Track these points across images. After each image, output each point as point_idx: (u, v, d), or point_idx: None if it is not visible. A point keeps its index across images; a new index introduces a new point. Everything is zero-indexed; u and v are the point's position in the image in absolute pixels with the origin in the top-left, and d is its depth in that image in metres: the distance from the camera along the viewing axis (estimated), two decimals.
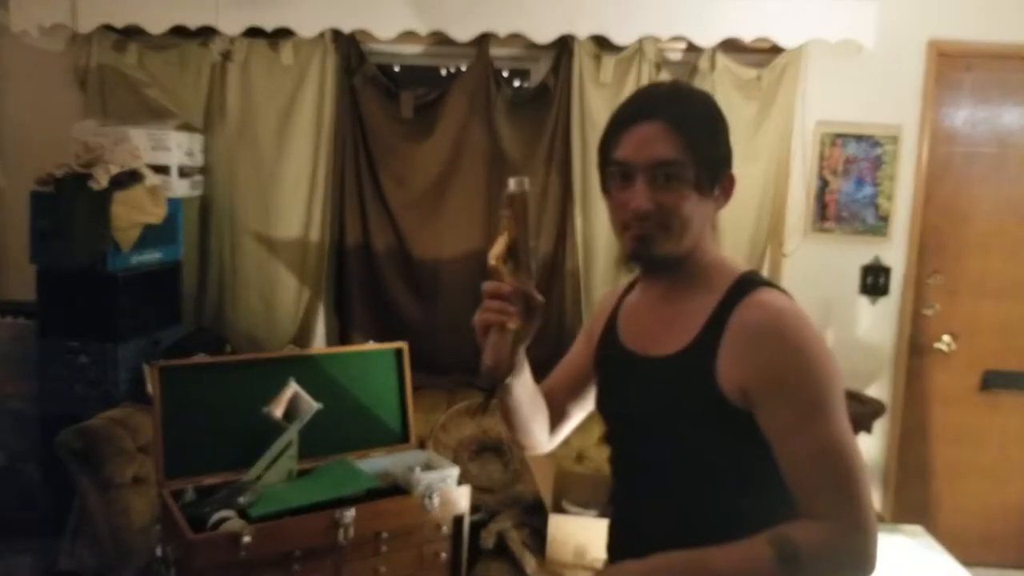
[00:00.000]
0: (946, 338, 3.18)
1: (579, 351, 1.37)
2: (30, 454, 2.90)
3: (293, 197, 3.07)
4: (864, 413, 2.98)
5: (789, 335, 1.04)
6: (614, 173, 1.12)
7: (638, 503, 1.09)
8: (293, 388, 2.24)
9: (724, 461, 1.10)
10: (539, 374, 1.26)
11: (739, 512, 1.08)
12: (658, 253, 1.11)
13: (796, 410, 1.02)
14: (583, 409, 1.37)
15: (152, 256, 2.89)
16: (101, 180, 2.61)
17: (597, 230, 3.01)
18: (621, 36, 2.90)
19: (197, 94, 3.05)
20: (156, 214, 2.77)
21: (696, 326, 1.12)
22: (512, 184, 1.05)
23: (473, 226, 3.08)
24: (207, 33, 2.99)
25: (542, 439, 1.32)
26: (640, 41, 2.93)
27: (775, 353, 1.03)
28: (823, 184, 3.11)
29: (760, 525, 1.02)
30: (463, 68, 3.08)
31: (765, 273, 3.11)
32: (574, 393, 1.35)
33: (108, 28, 3.01)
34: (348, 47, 3.03)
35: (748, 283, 1.13)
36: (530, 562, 2.40)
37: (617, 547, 1.26)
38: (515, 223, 1.04)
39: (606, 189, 1.16)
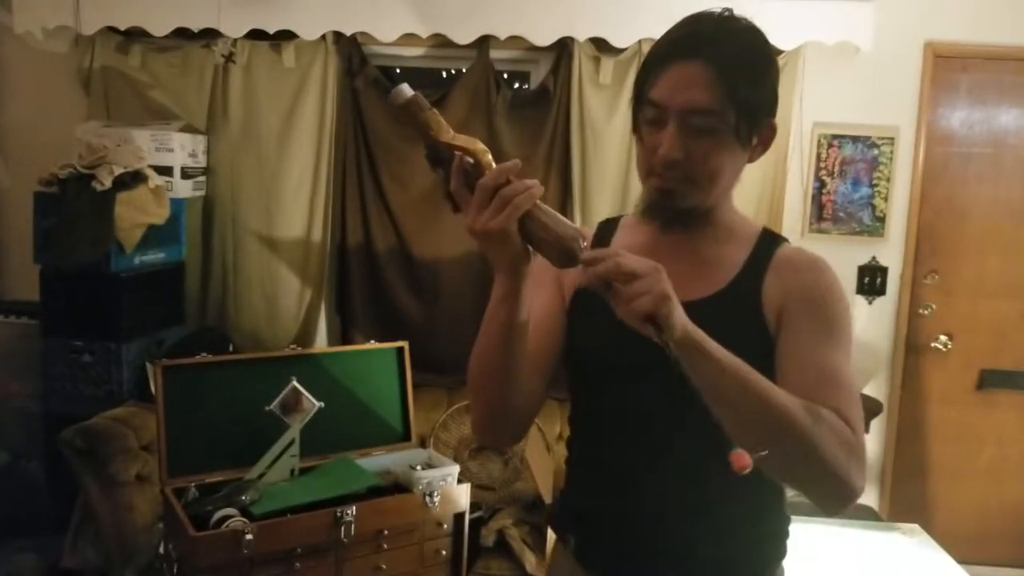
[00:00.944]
0: (942, 337, 3.20)
1: (550, 300, 1.17)
2: (34, 452, 2.92)
3: (295, 198, 3.10)
4: None
5: (830, 275, 1.08)
6: (647, 113, 1.04)
7: (642, 455, 1.02)
8: (295, 387, 2.27)
9: None
10: None
11: None
12: (682, 206, 1.05)
13: (827, 331, 1.03)
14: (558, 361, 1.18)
15: (155, 256, 2.91)
16: (105, 181, 2.63)
17: None
18: (620, 38, 2.92)
19: (200, 96, 3.07)
20: (159, 215, 2.79)
21: (733, 268, 1.10)
22: (395, 98, 0.91)
23: None
24: (210, 35, 3.02)
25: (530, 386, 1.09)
26: (639, 43, 2.94)
27: (818, 282, 1.06)
28: (820, 185, 3.14)
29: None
30: (464, 70, 3.10)
31: None
32: (556, 340, 1.16)
33: (111, 30, 3.04)
34: (350, 49, 3.05)
35: (777, 235, 1.15)
36: (530, 559, 2.42)
37: (606, 511, 1.15)
38: (422, 130, 0.92)
39: (637, 128, 1.07)
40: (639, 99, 1.06)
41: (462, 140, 0.92)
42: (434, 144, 0.93)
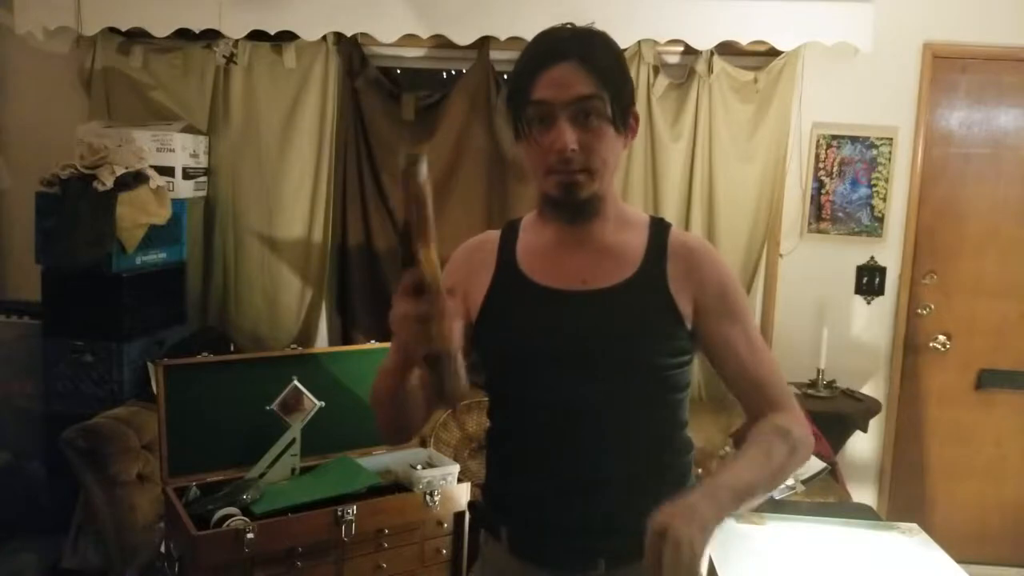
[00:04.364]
0: (941, 337, 3.20)
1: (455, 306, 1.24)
2: (35, 452, 2.92)
3: (296, 198, 3.10)
4: (860, 412, 3.00)
5: (721, 260, 1.22)
6: (532, 117, 1.12)
7: (571, 438, 1.09)
8: (296, 386, 2.27)
9: (675, 375, 1.17)
10: None
11: (680, 427, 1.21)
12: (584, 196, 1.14)
13: (739, 319, 1.18)
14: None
15: (157, 256, 2.91)
16: (106, 181, 2.63)
17: None
18: (619, 39, 2.85)
19: (201, 96, 3.08)
20: (161, 215, 2.80)
21: (636, 254, 1.19)
22: (402, 161, 0.91)
23: (473, 227, 3.09)
24: (211, 36, 3.02)
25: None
26: (638, 44, 2.96)
27: (716, 271, 1.19)
28: (819, 185, 3.14)
29: (681, 438, 1.21)
30: (464, 71, 3.10)
31: (762, 274, 3.15)
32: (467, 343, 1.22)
33: (113, 31, 3.05)
34: (350, 50, 3.06)
35: (664, 221, 1.25)
36: None
37: (537, 496, 1.20)
38: (408, 205, 0.93)
39: (522, 136, 1.15)
40: (519, 108, 1.14)
41: (428, 259, 0.94)
42: (408, 232, 0.94)
